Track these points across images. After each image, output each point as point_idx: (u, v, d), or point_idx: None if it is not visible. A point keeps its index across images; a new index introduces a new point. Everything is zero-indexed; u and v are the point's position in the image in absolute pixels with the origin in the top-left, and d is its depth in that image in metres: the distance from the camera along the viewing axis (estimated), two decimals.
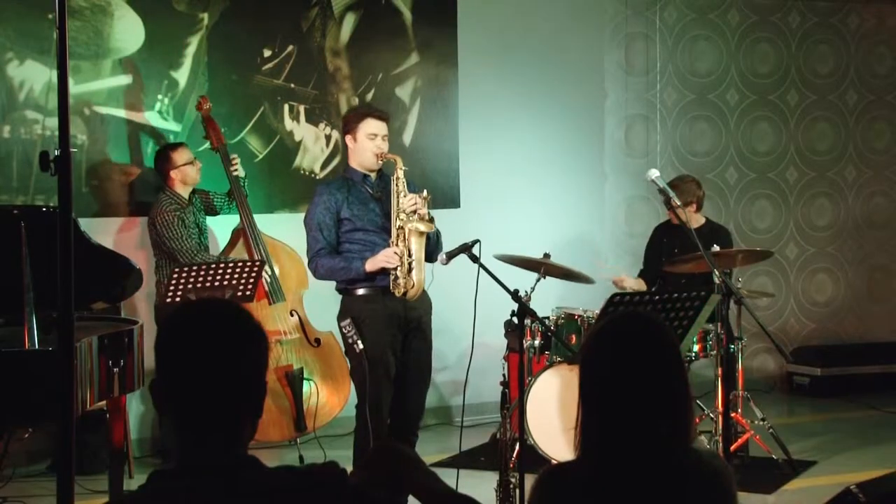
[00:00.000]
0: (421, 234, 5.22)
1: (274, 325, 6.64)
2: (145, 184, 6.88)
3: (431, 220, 5.29)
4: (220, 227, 6.92)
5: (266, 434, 6.43)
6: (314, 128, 7.41)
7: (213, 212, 6.80)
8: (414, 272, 5.22)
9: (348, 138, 5.41)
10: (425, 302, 5.41)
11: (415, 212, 5.23)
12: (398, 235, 5.24)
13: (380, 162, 5.37)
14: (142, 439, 6.89)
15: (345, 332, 5.20)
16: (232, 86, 7.11)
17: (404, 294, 5.23)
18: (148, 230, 6.52)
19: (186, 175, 6.50)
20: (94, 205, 6.77)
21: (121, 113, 6.83)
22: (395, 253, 5.18)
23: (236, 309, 2.20)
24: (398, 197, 5.27)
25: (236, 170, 6.67)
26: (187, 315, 2.20)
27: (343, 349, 5.41)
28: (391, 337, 5.27)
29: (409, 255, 5.21)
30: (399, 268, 5.19)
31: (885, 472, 2.74)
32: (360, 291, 5.29)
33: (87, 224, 5.78)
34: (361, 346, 5.13)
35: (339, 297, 5.43)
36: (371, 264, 5.21)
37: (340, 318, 5.29)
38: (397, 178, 5.28)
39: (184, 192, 6.52)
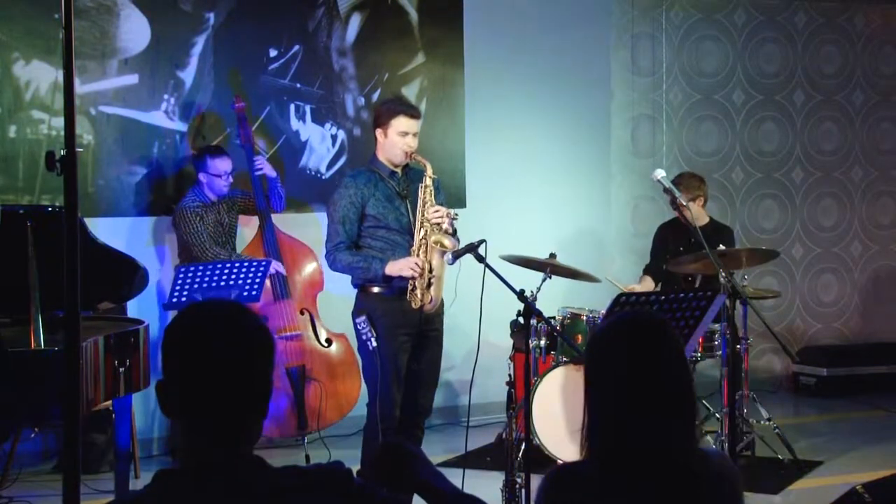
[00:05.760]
0: (444, 251, 5.15)
1: (278, 320, 6.65)
2: (151, 183, 6.90)
3: (454, 233, 5.24)
4: (249, 226, 6.97)
5: (267, 431, 6.43)
6: (320, 127, 7.40)
7: (251, 212, 6.86)
8: (433, 288, 5.18)
9: (378, 132, 5.35)
10: (439, 308, 5.37)
11: (439, 225, 5.18)
12: (420, 246, 5.21)
13: (407, 159, 5.36)
14: (148, 439, 6.89)
15: (359, 328, 5.17)
16: (238, 86, 7.11)
17: (421, 307, 5.19)
18: (174, 227, 6.61)
19: (214, 184, 6.54)
20: (100, 205, 6.77)
21: (127, 112, 6.83)
22: (416, 266, 5.12)
23: (242, 310, 2.20)
24: (424, 206, 5.24)
25: (260, 170, 6.72)
26: (194, 316, 2.19)
27: (357, 346, 5.40)
28: (405, 337, 5.24)
29: (430, 271, 5.17)
30: (418, 280, 5.16)
31: (891, 472, 2.74)
32: (376, 290, 5.25)
33: (93, 224, 5.79)
34: (375, 345, 5.12)
35: (353, 297, 5.39)
36: (390, 268, 5.16)
37: (356, 314, 5.26)
38: (425, 187, 5.25)
39: (210, 195, 6.59)
